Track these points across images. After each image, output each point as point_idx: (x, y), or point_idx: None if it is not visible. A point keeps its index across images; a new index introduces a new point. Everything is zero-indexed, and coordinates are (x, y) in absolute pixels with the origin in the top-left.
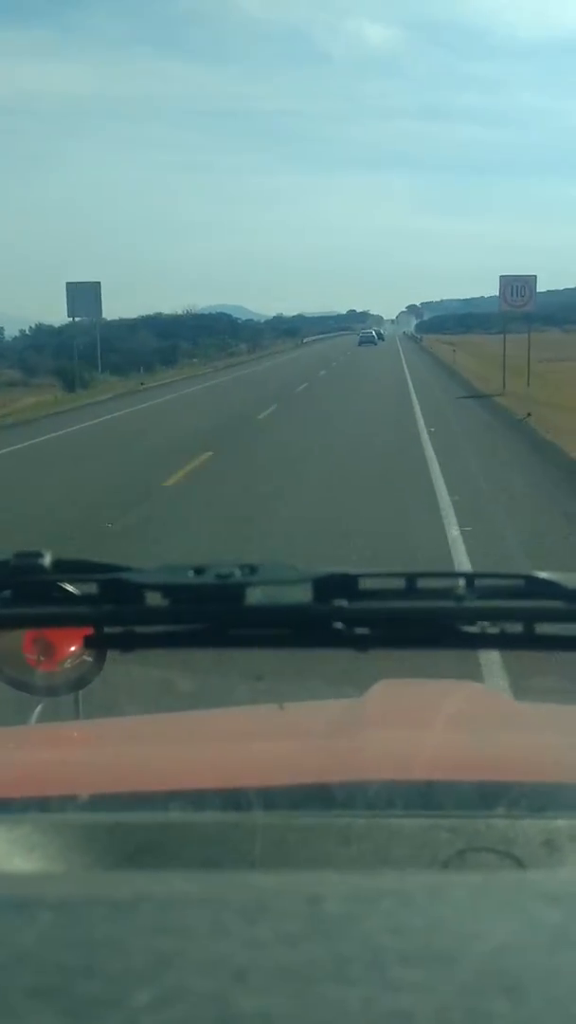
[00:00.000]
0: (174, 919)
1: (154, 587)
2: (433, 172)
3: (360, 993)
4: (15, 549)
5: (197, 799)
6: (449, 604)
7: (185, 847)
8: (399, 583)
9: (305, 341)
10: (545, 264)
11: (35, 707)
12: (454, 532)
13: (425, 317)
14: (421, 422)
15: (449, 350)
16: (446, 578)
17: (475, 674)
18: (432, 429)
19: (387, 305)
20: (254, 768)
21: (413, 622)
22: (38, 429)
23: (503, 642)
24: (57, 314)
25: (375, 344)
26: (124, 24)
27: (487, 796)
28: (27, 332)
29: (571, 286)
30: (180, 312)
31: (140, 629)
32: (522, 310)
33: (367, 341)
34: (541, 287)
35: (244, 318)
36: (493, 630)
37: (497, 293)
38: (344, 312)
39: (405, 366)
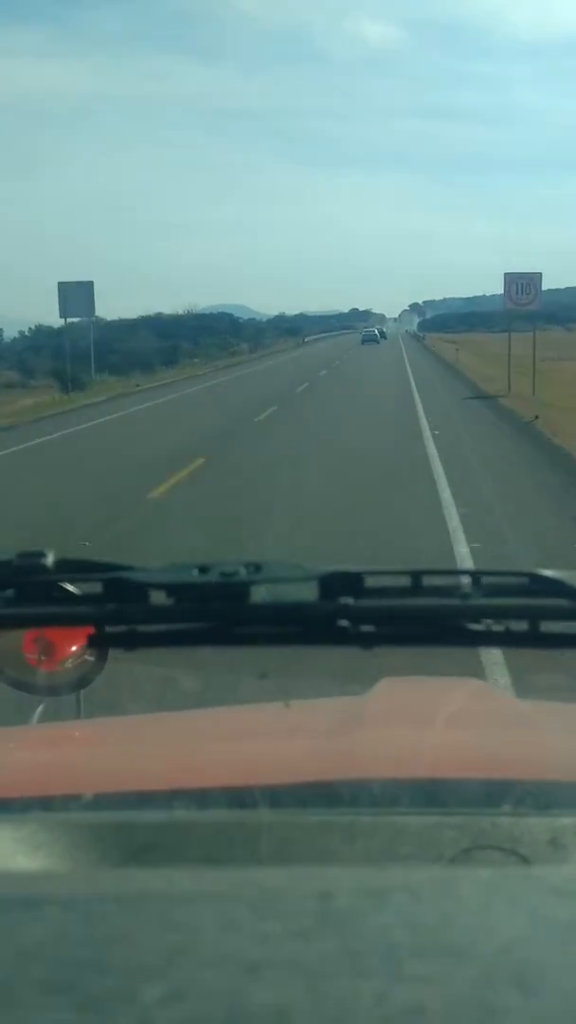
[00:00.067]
0: (183, 915)
1: (158, 586)
2: (435, 170)
3: (372, 987)
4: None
5: (202, 797)
6: (454, 602)
7: (190, 845)
8: (404, 581)
9: (307, 340)
10: (547, 262)
11: (36, 707)
12: (463, 549)
13: (428, 315)
14: (425, 425)
15: (452, 349)
16: (451, 576)
17: (477, 671)
18: (436, 432)
19: (389, 303)
20: (259, 766)
21: (418, 620)
22: (25, 434)
23: (508, 640)
24: (56, 315)
25: (377, 342)
26: (122, 23)
27: (492, 794)
28: (26, 333)
29: (574, 284)
30: (181, 312)
31: (144, 628)
32: (527, 308)
33: (370, 340)
34: (543, 285)
35: (246, 317)
36: (498, 628)
37: (500, 291)
38: (346, 311)
39: (408, 365)
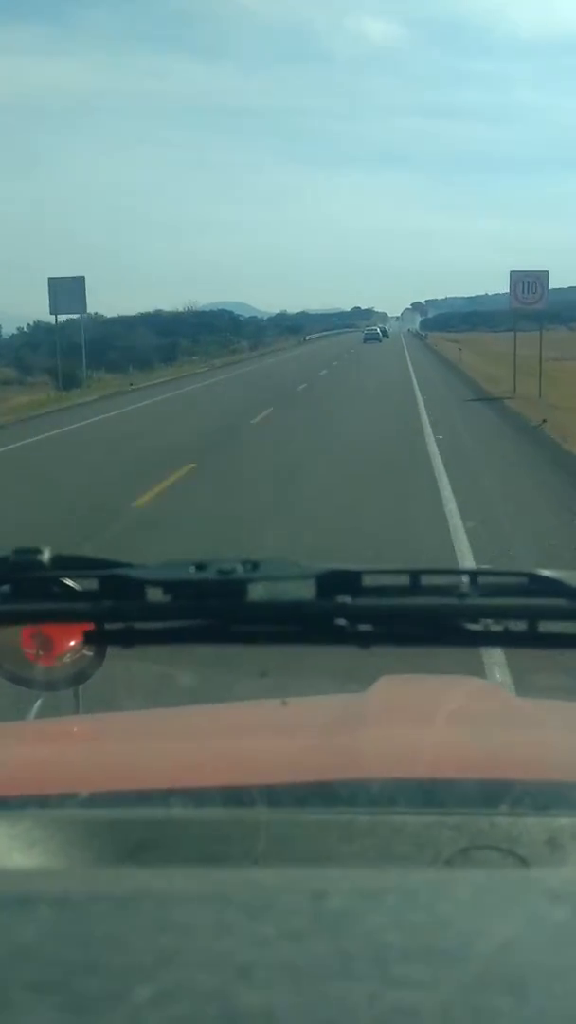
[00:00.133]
0: (176, 915)
1: (155, 583)
2: (438, 169)
3: (364, 989)
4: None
5: (199, 795)
6: (452, 601)
7: (186, 844)
8: (403, 580)
9: (308, 339)
10: (550, 261)
11: (34, 702)
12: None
13: (430, 314)
14: (428, 429)
15: (455, 348)
16: (450, 575)
17: (477, 670)
18: (440, 437)
19: (392, 302)
20: (256, 764)
21: (416, 619)
22: (9, 435)
23: (506, 640)
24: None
25: (380, 341)
26: (124, 21)
27: (490, 794)
28: (25, 330)
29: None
30: (181, 309)
31: (141, 625)
32: (534, 307)
33: (372, 338)
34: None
35: (248, 315)
36: (496, 628)
37: (503, 290)
38: (348, 309)
39: (410, 365)
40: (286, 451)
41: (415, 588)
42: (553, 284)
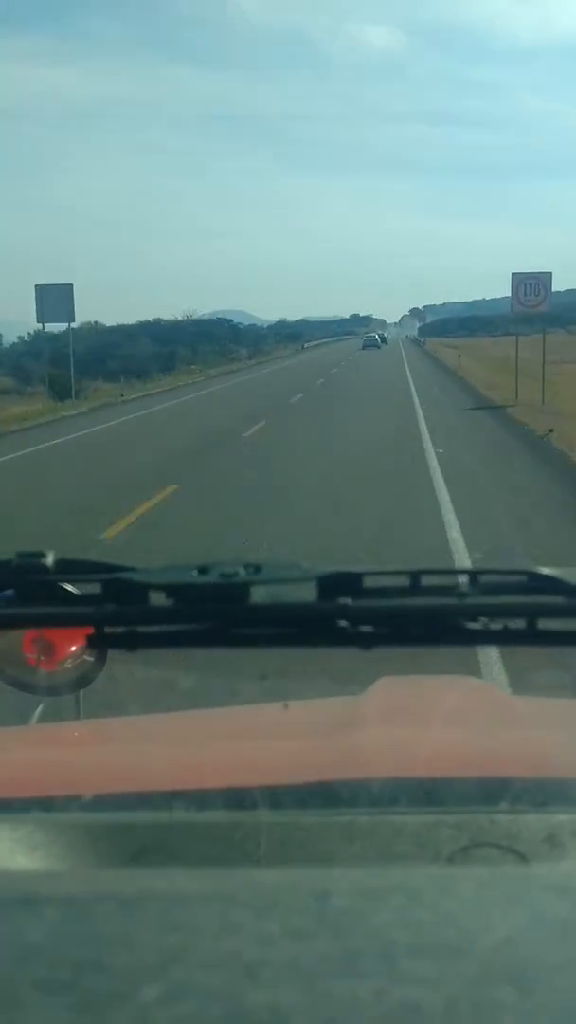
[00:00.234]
0: (181, 916)
1: (157, 587)
2: (436, 175)
3: (369, 987)
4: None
5: (200, 798)
6: (452, 601)
7: (189, 846)
8: (403, 581)
9: (306, 346)
10: (547, 265)
11: (36, 707)
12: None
13: (428, 320)
14: (428, 441)
15: (454, 355)
16: (449, 575)
17: (475, 668)
18: (440, 450)
19: (390, 309)
20: (258, 766)
21: (417, 619)
22: None
23: (506, 638)
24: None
25: (378, 347)
26: (124, 28)
27: (490, 792)
28: (25, 338)
29: (574, 287)
30: (180, 318)
31: (143, 629)
32: (536, 310)
33: (370, 345)
34: None
35: (247, 323)
36: (496, 626)
37: (501, 295)
38: (347, 316)
39: (408, 373)
40: (278, 469)
41: (415, 588)
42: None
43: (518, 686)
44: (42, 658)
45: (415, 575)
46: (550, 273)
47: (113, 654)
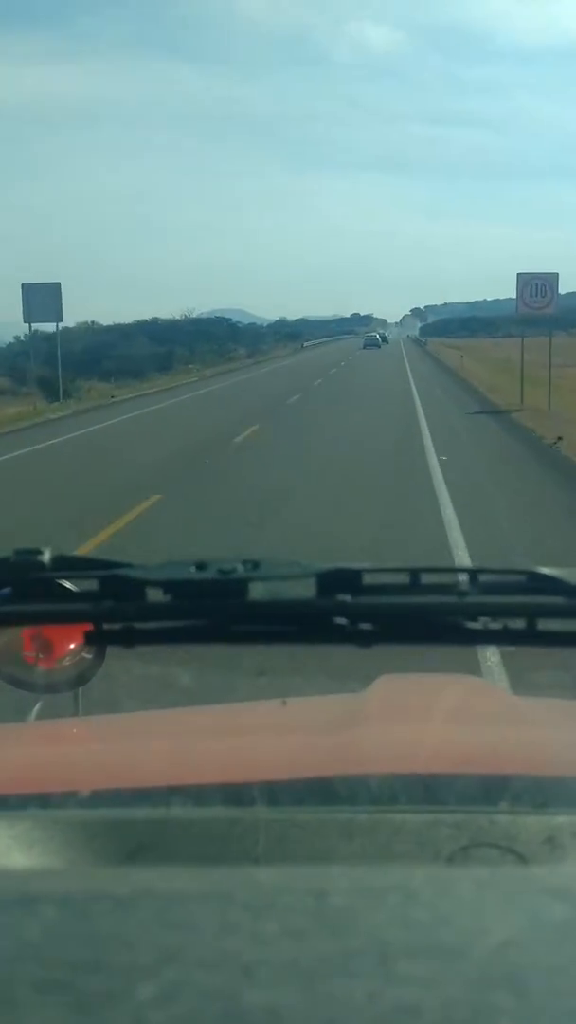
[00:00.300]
0: (178, 914)
1: (155, 583)
2: (437, 175)
3: (366, 987)
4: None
5: (199, 795)
6: (451, 600)
7: (187, 843)
8: (402, 578)
9: (305, 345)
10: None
11: (34, 704)
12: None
13: (429, 320)
14: (430, 448)
15: (456, 356)
16: (449, 573)
17: (474, 667)
18: (443, 458)
19: (391, 308)
20: (256, 763)
21: (416, 618)
22: None
23: (505, 638)
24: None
25: (379, 347)
26: (125, 28)
27: (489, 792)
28: (22, 338)
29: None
30: (178, 317)
31: (141, 625)
32: (542, 312)
33: (371, 344)
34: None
35: (247, 322)
36: (495, 626)
37: (503, 296)
38: (348, 315)
39: (409, 373)
40: (270, 478)
41: (415, 587)
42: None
43: (518, 686)
44: (40, 656)
45: (415, 573)
46: (557, 274)
47: (111, 651)
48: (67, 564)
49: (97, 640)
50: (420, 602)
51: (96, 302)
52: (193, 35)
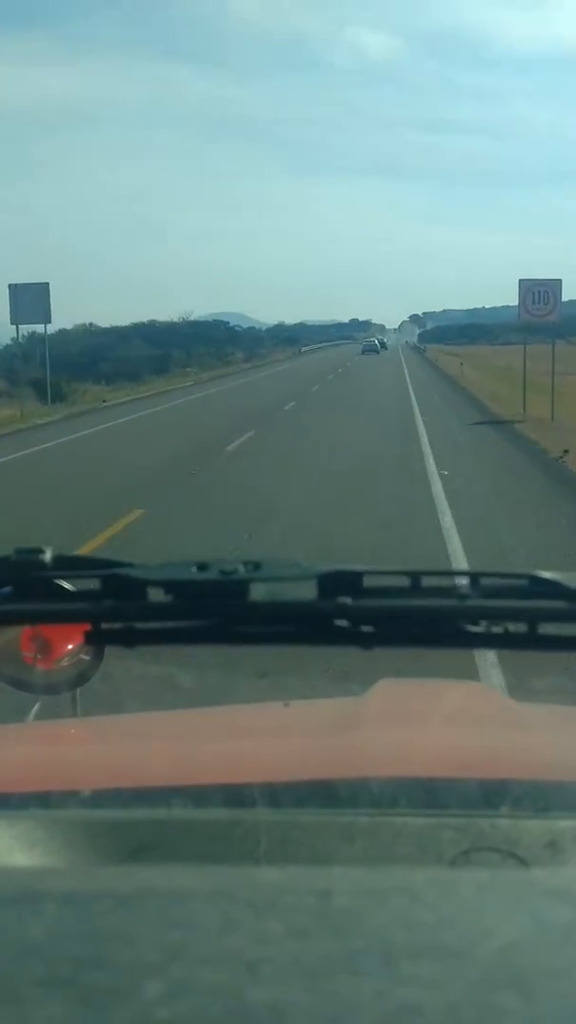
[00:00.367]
0: (182, 912)
1: (156, 583)
2: (436, 182)
3: (370, 987)
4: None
5: (200, 796)
6: (453, 603)
7: (187, 844)
8: (403, 581)
9: (303, 350)
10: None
11: (33, 705)
12: (495, 678)
13: (428, 327)
14: (430, 460)
15: (455, 363)
16: (450, 577)
17: (473, 671)
18: (445, 472)
19: (390, 314)
20: (257, 765)
21: (416, 620)
22: None
23: (506, 641)
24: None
25: (378, 352)
26: (120, 30)
27: (491, 796)
28: (20, 340)
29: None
30: (176, 319)
31: (141, 625)
32: (545, 319)
33: (370, 350)
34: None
35: (246, 326)
36: (496, 629)
37: (502, 303)
38: (346, 321)
39: (408, 381)
40: (261, 491)
41: (416, 589)
42: None
43: (520, 690)
44: (39, 656)
45: (415, 576)
46: (560, 280)
47: (111, 651)
48: (68, 564)
49: (96, 640)
50: (421, 605)
51: (94, 304)
52: (190, 38)
